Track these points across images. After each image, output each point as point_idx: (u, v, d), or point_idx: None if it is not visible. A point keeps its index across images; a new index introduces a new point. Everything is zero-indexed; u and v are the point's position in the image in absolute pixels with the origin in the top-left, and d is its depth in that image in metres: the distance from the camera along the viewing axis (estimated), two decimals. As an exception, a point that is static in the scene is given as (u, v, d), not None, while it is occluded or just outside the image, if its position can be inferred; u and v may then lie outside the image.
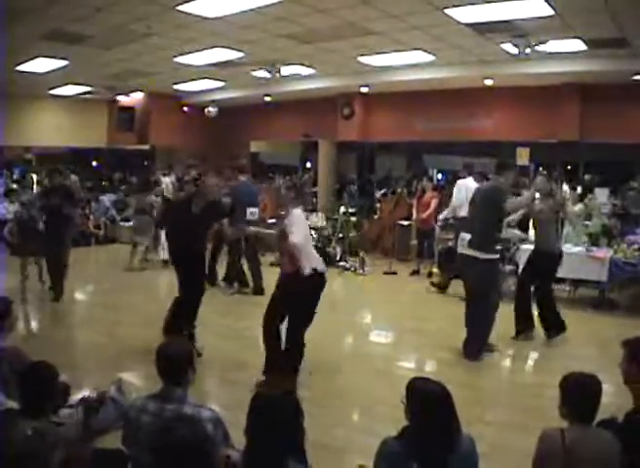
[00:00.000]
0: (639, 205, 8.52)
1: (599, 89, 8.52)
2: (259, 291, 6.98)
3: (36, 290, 6.58)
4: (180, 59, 8.79)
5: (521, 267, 6.32)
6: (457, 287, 6.06)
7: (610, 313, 6.56)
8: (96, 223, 11.06)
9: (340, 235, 9.53)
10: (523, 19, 6.11)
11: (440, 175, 11.81)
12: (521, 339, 5.45)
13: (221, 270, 7.50)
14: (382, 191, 11.27)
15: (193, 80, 10.77)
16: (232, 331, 5.72)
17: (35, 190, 10.02)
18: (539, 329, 5.49)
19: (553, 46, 6.92)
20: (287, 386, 2.89)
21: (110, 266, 8.75)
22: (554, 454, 2.09)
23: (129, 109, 13.22)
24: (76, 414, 2.58)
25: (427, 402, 1.99)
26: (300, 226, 4.02)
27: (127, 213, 10.69)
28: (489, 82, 9.00)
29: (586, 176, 9.14)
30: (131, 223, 9.42)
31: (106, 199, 11.66)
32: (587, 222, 7.52)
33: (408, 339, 5.73)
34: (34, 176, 11.78)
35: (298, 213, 4.09)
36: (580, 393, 2.18)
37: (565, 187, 6.20)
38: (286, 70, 9.10)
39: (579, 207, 7.86)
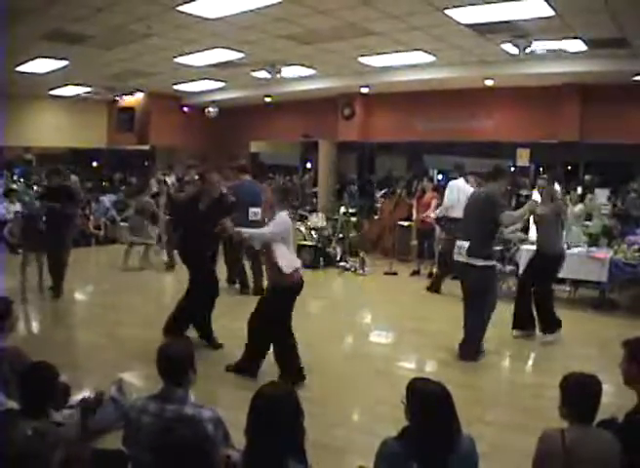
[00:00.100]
0: (639, 207, 8.52)
1: (599, 89, 8.54)
2: (259, 291, 6.96)
3: (36, 290, 6.57)
4: (181, 60, 8.80)
5: (521, 268, 6.33)
6: (454, 288, 6.05)
7: (610, 313, 6.56)
8: (96, 224, 11.05)
9: (341, 235, 9.52)
10: (523, 20, 6.13)
11: (440, 176, 11.78)
12: (518, 335, 5.48)
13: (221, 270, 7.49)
14: (383, 191, 11.27)
15: (193, 80, 10.78)
16: (228, 331, 5.71)
17: (35, 190, 10.02)
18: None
19: (553, 46, 6.93)
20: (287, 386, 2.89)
21: (110, 267, 8.73)
22: (554, 455, 2.09)
23: (129, 110, 13.23)
24: (76, 415, 2.59)
25: (427, 402, 1.99)
26: (280, 226, 4.03)
27: (127, 213, 10.67)
28: (489, 82, 9.01)
29: (587, 177, 9.13)
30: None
31: (106, 199, 11.64)
32: (587, 223, 7.53)
33: (408, 340, 5.72)
34: (34, 177, 11.80)
35: (283, 215, 4.08)
36: (580, 393, 2.19)
37: (557, 186, 6.18)
38: (286, 71, 9.11)
39: (579, 207, 7.87)
